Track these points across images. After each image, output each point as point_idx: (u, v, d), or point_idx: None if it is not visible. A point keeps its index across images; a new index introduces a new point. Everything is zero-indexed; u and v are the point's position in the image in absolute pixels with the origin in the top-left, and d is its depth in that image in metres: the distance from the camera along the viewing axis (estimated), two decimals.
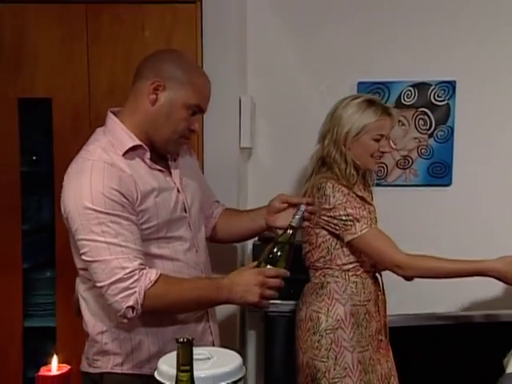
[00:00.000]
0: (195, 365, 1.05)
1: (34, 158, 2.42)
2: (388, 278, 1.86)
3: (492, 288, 2.08)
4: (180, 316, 1.50)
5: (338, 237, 1.81)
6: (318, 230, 1.83)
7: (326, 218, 1.79)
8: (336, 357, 1.77)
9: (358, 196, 1.82)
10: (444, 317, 2.17)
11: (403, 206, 2.41)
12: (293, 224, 1.46)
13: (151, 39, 2.11)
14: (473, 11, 2.35)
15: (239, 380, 1.13)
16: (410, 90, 2.38)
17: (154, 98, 1.45)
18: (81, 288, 1.54)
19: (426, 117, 2.39)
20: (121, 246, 1.36)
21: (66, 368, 1.11)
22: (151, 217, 1.45)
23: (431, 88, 2.37)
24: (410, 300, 2.18)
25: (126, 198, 1.39)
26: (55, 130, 2.19)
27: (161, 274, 1.40)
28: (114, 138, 1.46)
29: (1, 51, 2.17)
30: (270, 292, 1.40)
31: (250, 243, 2.29)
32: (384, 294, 1.92)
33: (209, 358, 1.16)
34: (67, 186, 1.41)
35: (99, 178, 1.37)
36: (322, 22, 2.40)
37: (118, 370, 1.48)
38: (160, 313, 1.45)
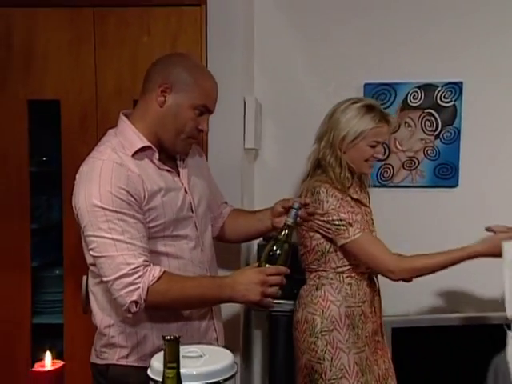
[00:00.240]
0: (187, 362, 1.06)
1: (44, 158, 2.46)
2: (386, 278, 1.84)
3: (490, 289, 2.06)
4: (184, 312, 1.53)
5: (331, 240, 1.81)
6: (312, 233, 1.83)
7: (319, 223, 1.80)
8: (332, 358, 1.78)
9: (353, 199, 1.83)
10: (443, 318, 2.16)
11: (409, 207, 2.41)
12: (287, 223, 1.49)
13: (157, 42, 2.14)
14: (479, 12, 2.34)
15: (230, 378, 1.13)
16: (417, 91, 2.37)
17: (163, 99, 1.49)
18: (90, 282, 1.58)
19: (432, 118, 2.38)
20: (127, 242, 1.40)
21: (59, 364, 1.11)
22: (158, 215, 1.48)
23: (438, 89, 2.36)
24: (409, 301, 2.18)
25: (133, 196, 1.43)
26: (63, 131, 2.22)
27: (164, 271, 1.43)
28: (125, 139, 1.50)
29: (12, 54, 2.21)
30: (271, 290, 1.42)
31: (255, 243, 2.31)
32: (379, 295, 1.91)
33: (201, 356, 1.16)
34: (78, 184, 1.46)
35: (108, 177, 1.41)
36: (328, 23, 2.40)
37: (123, 362, 1.52)
38: (163, 309, 1.48)
